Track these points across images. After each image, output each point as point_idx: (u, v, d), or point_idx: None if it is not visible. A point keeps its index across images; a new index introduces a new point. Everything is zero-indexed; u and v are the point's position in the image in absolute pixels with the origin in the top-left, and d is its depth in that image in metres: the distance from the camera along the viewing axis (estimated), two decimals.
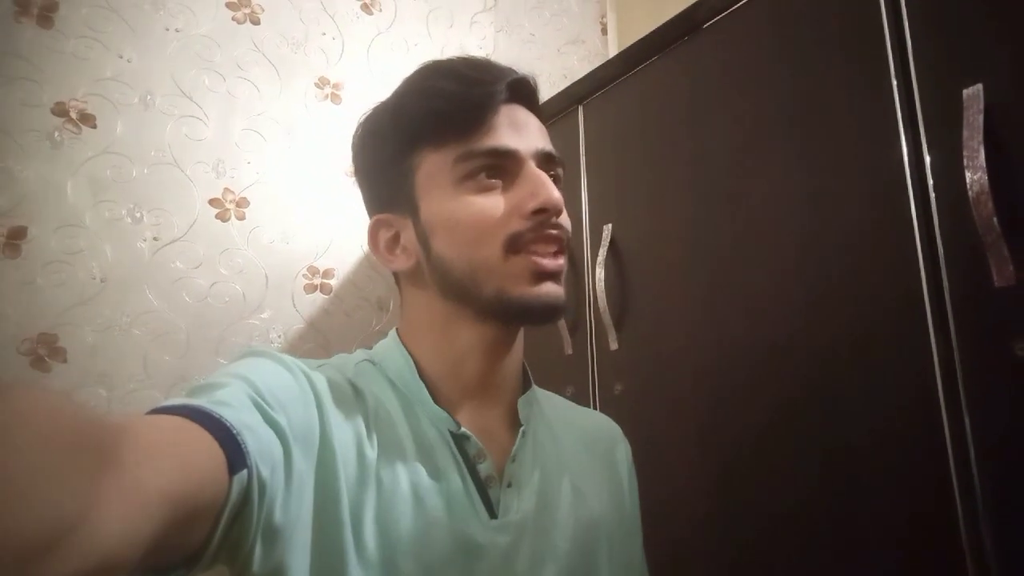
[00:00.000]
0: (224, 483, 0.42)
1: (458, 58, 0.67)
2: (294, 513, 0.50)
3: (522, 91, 0.67)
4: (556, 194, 0.63)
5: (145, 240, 1.41)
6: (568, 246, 0.67)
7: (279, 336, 1.52)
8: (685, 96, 1.15)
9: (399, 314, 0.74)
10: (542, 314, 0.64)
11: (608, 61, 1.36)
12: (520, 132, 0.65)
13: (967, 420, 0.73)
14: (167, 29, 1.51)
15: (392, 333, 0.71)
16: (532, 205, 0.62)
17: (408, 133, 0.66)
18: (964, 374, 0.74)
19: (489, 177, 0.63)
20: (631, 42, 1.28)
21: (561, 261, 0.65)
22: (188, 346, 1.41)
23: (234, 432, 0.44)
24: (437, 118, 0.63)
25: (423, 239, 0.65)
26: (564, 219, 0.65)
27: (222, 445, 0.43)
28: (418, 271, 0.67)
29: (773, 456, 0.93)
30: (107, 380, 1.32)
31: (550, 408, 0.77)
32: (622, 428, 0.85)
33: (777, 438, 0.93)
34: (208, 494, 0.41)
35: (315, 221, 1.61)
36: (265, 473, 0.46)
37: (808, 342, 0.91)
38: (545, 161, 0.66)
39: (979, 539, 0.71)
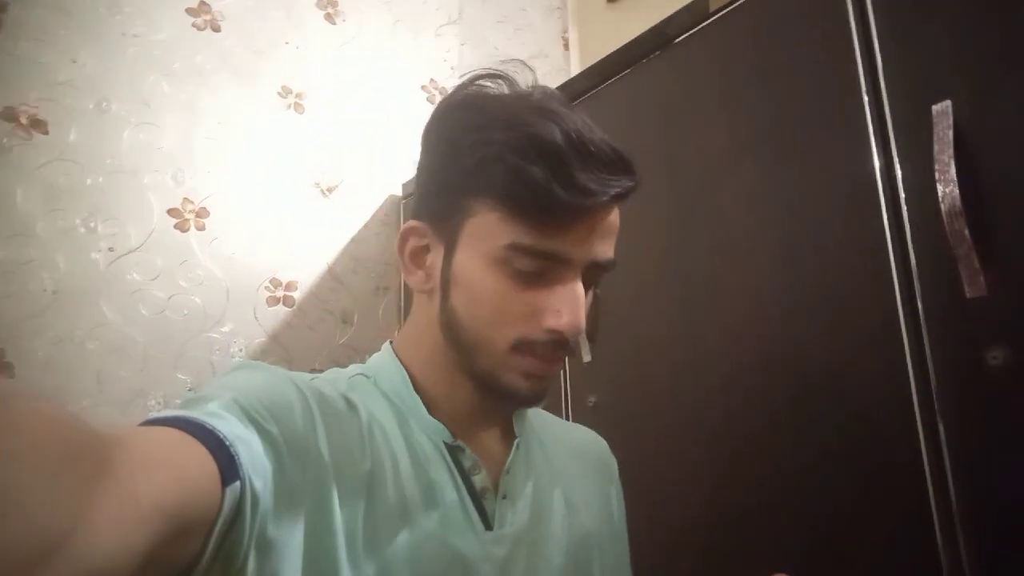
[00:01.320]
0: (217, 495, 0.42)
1: (584, 134, 0.57)
2: (287, 526, 0.49)
3: (621, 197, 0.62)
4: (580, 318, 0.59)
5: (100, 250, 1.36)
6: (570, 352, 0.64)
7: (240, 350, 1.48)
8: (657, 111, 1.17)
9: (399, 327, 0.72)
10: (525, 402, 0.66)
11: (575, 77, 1.37)
12: (587, 240, 0.60)
13: (941, 428, 0.75)
14: (124, 34, 1.47)
15: (386, 346, 0.70)
16: (552, 324, 0.59)
17: (483, 178, 0.59)
18: (938, 383, 0.75)
19: (531, 268, 0.59)
20: (593, 57, 1.29)
21: (559, 365, 0.64)
22: (145, 361, 1.36)
23: (227, 444, 0.43)
24: (521, 195, 0.57)
25: (445, 281, 0.63)
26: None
27: (215, 457, 0.42)
28: (433, 293, 0.65)
29: (748, 465, 0.94)
30: (59, 396, 1.26)
31: (539, 422, 0.77)
32: None
33: (752, 448, 0.94)
34: (201, 506, 0.40)
35: (278, 232, 1.58)
36: (258, 485, 0.45)
37: (782, 352, 0.92)
38: (594, 269, 0.62)
39: (955, 547, 0.72)
